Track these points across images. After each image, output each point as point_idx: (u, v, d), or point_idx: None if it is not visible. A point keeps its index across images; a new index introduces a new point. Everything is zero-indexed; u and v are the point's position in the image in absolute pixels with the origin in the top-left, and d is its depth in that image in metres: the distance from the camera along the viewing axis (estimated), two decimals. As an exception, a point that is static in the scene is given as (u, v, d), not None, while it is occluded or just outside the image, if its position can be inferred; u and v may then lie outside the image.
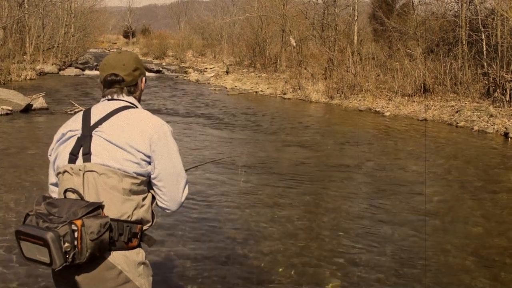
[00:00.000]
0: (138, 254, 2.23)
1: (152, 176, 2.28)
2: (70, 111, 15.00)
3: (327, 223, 6.43)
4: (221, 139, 12.13)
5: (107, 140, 2.19)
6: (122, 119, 2.24)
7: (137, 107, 2.36)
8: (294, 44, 26.29)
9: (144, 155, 2.21)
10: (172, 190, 2.30)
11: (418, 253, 5.54)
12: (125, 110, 2.29)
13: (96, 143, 2.19)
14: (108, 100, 2.35)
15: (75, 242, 1.96)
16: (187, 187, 2.37)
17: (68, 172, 2.19)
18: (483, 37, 17.95)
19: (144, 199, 2.26)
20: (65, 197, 2.16)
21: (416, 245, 5.77)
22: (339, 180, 8.72)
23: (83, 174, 2.14)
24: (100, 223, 2.02)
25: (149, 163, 2.24)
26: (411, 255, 5.47)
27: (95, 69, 30.59)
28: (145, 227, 2.27)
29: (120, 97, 2.35)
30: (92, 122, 2.25)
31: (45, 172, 8.21)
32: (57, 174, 2.27)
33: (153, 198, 2.34)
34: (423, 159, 10.65)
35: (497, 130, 14.09)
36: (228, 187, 7.84)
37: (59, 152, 2.28)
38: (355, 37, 23.64)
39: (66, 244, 1.94)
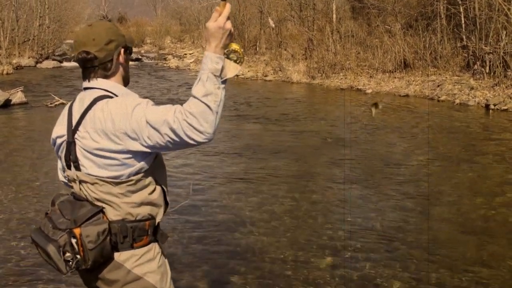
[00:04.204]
0: (150, 251, 2.12)
1: (153, 147, 1.96)
2: (51, 104, 14.79)
3: (315, 204, 6.45)
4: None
5: (83, 149, 2.04)
6: (93, 119, 2.02)
7: (111, 95, 2.08)
8: (273, 25, 26.12)
9: (123, 153, 1.99)
10: (184, 131, 1.88)
11: (405, 227, 5.58)
12: (97, 103, 2.04)
13: (78, 151, 2.06)
14: (85, 89, 2.13)
15: (76, 251, 1.96)
16: (189, 106, 1.90)
17: (68, 178, 2.17)
18: (461, 10, 18.00)
19: (151, 193, 2.10)
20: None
21: (404, 220, 5.81)
22: (326, 160, 8.73)
23: (79, 182, 2.08)
24: (98, 231, 1.97)
25: (137, 155, 2.00)
26: (400, 231, 5.51)
27: (73, 61, 29.99)
28: (158, 220, 2.15)
29: (94, 83, 2.10)
30: (73, 123, 2.08)
31: (26, 168, 8.08)
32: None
33: (162, 188, 2.16)
34: (408, 135, 10.71)
35: (478, 103, 14.20)
36: (215, 173, 7.81)
37: (60, 156, 2.21)
38: (334, 16, 23.55)
39: (67, 254, 1.96)
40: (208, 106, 1.89)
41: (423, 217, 5.94)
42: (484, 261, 4.77)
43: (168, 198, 2.21)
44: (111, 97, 2.07)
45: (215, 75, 1.92)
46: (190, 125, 1.87)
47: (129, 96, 2.09)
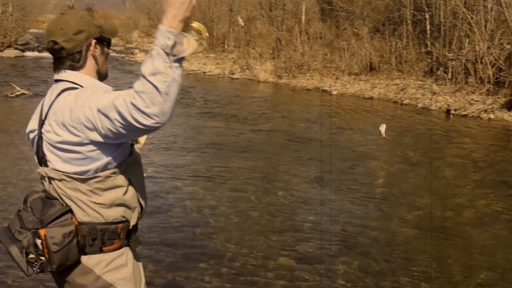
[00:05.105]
0: (121, 256, 2.01)
1: (109, 137, 1.83)
2: (11, 94, 14.38)
3: (278, 203, 6.46)
4: (170, 121, 11.91)
5: (48, 143, 1.94)
6: (55, 112, 1.92)
7: (77, 87, 1.96)
8: (242, 23, 26.09)
9: (84, 145, 1.87)
10: (131, 114, 1.70)
11: (365, 226, 5.64)
12: (61, 95, 1.94)
13: (45, 146, 1.95)
14: (55, 81, 2.02)
15: (40, 253, 1.87)
16: (132, 94, 1.72)
17: (40, 175, 2.05)
18: (427, 16, 18.34)
19: (124, 193, 1.97)
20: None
21: (363, 219, 5.88)
22: (290, 160, 8.76)
23: (48, 179, 1.97)
24: (63, 232, 1.87)
25: (101, 148, 1.87)
26: (360, 229, 5.57)
27: (37, 51, 29.42)
28: (132, 223, 2.02)
29: (62, 75, 2.00)
30: (43, 117, 1.98)
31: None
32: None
33: (134, 187, 2.03)
34: (372, 137, 10.85)
35: (440, 107, 14.52)
36: (178, 170, 7.74)
37: (35, 152, 2.09)
38: (303, 17, 23.68)
39: (31, 255, 1.87)
40: (155, 87, 1.66)
41: (383, 217, 6.03)
42: (439, 258, 4.86)
43: (142, 201, 2.06)
44: (77, 89, 1.95)
45: (166, 52, 1.70)
46: (136, 106, 1.68)
47: (92, 87, 1.96)
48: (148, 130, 1.75)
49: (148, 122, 1.69)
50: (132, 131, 1.76)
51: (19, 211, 1.99)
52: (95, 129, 1.82)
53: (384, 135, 9.13)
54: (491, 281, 4.47)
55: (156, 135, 9.38)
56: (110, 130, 1.79)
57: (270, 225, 5.63)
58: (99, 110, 1.78)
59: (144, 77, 1.69)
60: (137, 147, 2.17)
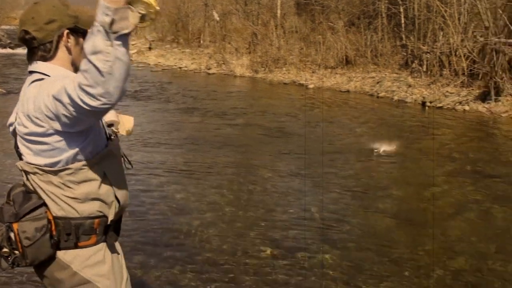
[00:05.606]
0: (98, 253, 1.98)
1: (68, 125, 1.79)
2: (-18, 91, 14.10)
3: (257, 196, 6.45)
4: (147, 117, 11.84)
5: (19, 135, 1.92)
6: (22, 104, 1.89)
7: (45, 78, 1.91)
8: (218, 18, 25.97)
9: (50, 135, 1.82)
10: (78, 95, 1.64)
11: (345, 218, 5.67)
12: (30, 86, 1.91)
13: (18, 138, 1.94)
14: (29, 73, 1.97)
15: (14, 247, 1.86)
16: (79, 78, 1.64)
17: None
18: (401, 10, 18.48)
19: (98, 187, 1.93)
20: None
21: (343, 211, 5.90)
22: (269, 153, 8.75)
23: (24, 173, 1.95)
24: (35, 227, 1.85)
25: (68, 138, 1.83)
26: (338, 222, 5.59)
27: (9, 47, 28.92)
28: (110, 218, 1.98)
29: (34, 66, 1.95)
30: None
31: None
32: None
33: (110, 181, 1.98)
34: (349, 130, 10.90)
35: (415, 100, 14.65)
36: (155, 164, 7.67)
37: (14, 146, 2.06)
38: (278, 11, 23.67)
39: (4, 249, 1.87)
40: (96, 67, 1.57)
41: (362, 209, 6.06)
42: (418, 247, 4.91)
43: (119, 195, 2.00)
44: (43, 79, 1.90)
45: (105, 30, 1.58)
46: (81, 87, 1.60)
47: (56, 76, 1.90)
48: (97, 112, 1.68)
49: (94, 103, 1.62)
50: (83, 113, 1.69)
51: (3, 204, 1.97)
52: (55, 117, 1.78)
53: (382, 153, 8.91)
54: (472, 267, 4.52)
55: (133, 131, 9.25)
56: (66, 116, 1.74)
57: (250, 220, 5.61)
58: (54, 97, 1.74)
59: (85, 56, 1.61)
60: (126, 133, 2.15)
